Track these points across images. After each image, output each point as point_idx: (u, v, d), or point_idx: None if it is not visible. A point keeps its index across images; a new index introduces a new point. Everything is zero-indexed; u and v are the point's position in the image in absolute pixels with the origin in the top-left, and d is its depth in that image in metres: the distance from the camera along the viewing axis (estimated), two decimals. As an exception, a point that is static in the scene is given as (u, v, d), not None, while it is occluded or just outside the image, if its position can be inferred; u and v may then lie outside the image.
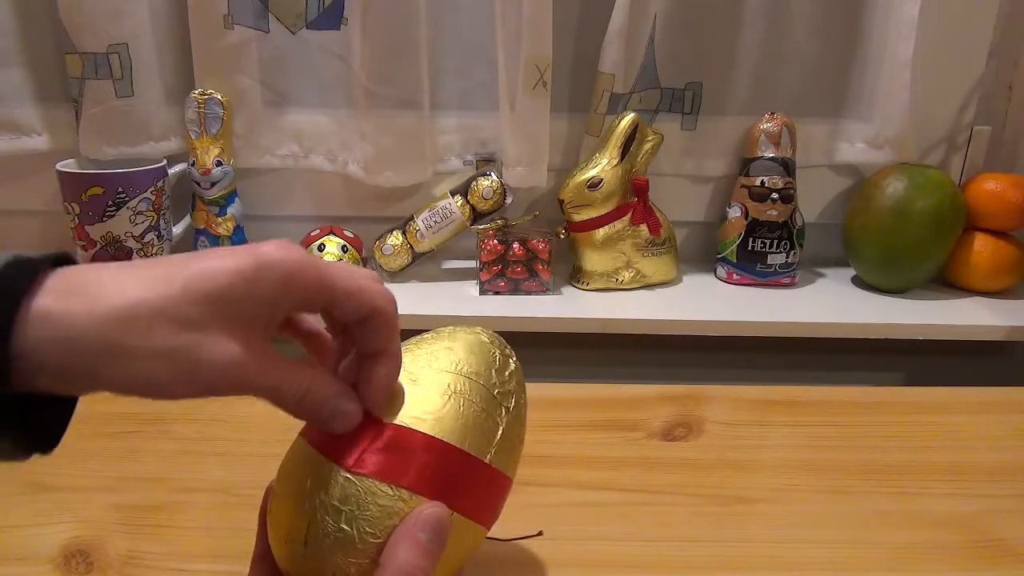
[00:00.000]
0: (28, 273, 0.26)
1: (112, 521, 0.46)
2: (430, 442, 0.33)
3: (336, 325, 0.35)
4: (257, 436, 0.54)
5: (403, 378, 0.35)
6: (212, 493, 0.50)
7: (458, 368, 0.36)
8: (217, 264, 0.28)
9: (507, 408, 0.36)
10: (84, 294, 0.27)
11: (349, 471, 0.32)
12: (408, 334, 0.37)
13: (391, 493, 0.32)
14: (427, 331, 0.39)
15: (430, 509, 0.32)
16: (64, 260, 0.28)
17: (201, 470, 0.52)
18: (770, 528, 0.47)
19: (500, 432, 0.35)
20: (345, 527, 0.31)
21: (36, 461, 0.49)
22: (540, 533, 0.41)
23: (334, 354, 0.35)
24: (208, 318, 0.28)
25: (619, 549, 0.45)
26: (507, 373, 0.37)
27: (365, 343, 0.33)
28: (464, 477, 0.34)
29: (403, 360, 0.35)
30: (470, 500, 0.34)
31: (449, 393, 0.35)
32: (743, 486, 0.51)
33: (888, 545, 0.45)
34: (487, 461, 0.35)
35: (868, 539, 0.46)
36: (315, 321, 0.36)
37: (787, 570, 0.44)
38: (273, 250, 0.30)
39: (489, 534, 0.37)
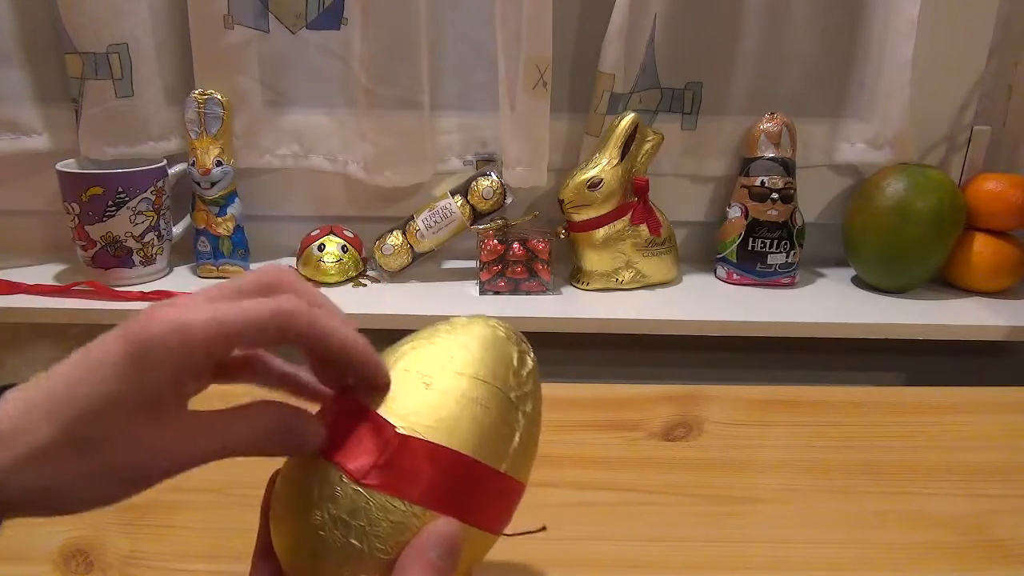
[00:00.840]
0: None
1: (112, 521, 0.46)
2: (443, 454, 0.31)
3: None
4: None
5: (417, 381, 0.33)
6: (212, 493, 0.49)
7: (474, 371, 0.34)
8: (86, 391, 0.27)
9: (524, 412, 0.35)
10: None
11: (359, 483, 0.30)
12: (408, 335, 0.37)
13: (403, 509, 0.30)
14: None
15: (443, 527, 0.30)
16: None
17: (201, 470, 0.52)
18: (770, 528, 0.47)
19: (517, 438, 0.34)
20: (355, 542, 0.30)
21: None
22: (543, 528, 0.41)
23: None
24: (106, 424, 0.28)
25: (619, 549, 0.45)
26: (525, 372, 0.36)
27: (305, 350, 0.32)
28: (478, 489, 0.33)
29: (416, 359, 0.34)
30: (483, 512, 0.33)
31: (464, 400, 0.33)
32: (743, 486, 0.51)
33: (888, 545, 0.45)
34: (502, 471, 0.33)
35: (868, 539, 0.46)
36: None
37: (787, 570, 0.44)
38: (136, 333, 0.28)
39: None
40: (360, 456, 0.31)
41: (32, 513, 0.28)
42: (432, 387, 0.33)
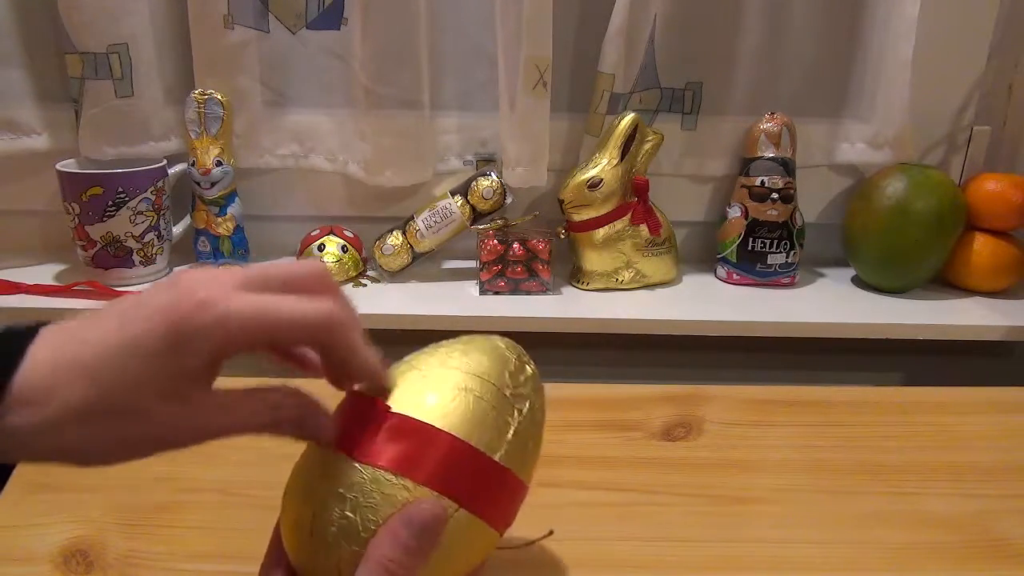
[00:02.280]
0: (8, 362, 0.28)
1: (112, 521, 0.46)
2: (436, 433, 0.33)
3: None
4: (257, 436, 0.54)
5: (415, 374, 0.35)
6: (212, 493, 0.49)
7: (470, 369, 0.35)
8: (123, 364, 0.28)
9: (519, 410, 0.36)
10: (31, 403, 0.27)
11: (352, 458, 0.32)
12: (408, 334, 0.37)
13: (395, 481, 0.31)
14: (429, 331, 0.39)
15: (424, 505, 0.31)
16: (27, 335, 0.29)
17: (201, 470, 0.52)
18: (770, 528, 0.47)
19: (512, 432, 0.35)
20: (349, 514, 0.31)
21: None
22: (551, 533, 0.41)
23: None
24: (135, 397, 0.28)
25: (619, 549, 0.45)
26: (522, 378, 0.37)
27: (333, 363, 0.33)
28: (472, 472, 0.33)
29: (418, 361, 0.36)
30: (479, 497, 0.33)
31: (459, 389, 0.34)
32: (743, 486, 0.51)
33: (888, 545, 0.45)
34: (496, 459, 0.34)
35: (868, 539, 0.46)
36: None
37: (787, 570, 0.44)
38: (174, 308, 0.28)
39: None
40: (358, 435, 0.33)
41: (52, 463, 0.29)
42: (428, 378, 0.35)
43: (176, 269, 0.93)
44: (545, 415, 0.38)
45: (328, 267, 0.31)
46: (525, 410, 0.36)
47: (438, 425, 0.33)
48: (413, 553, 0.30)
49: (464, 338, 0.38)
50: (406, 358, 0.37)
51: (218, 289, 0.29)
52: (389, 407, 0.33)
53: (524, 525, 0.42)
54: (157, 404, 0.28)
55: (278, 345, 0.34)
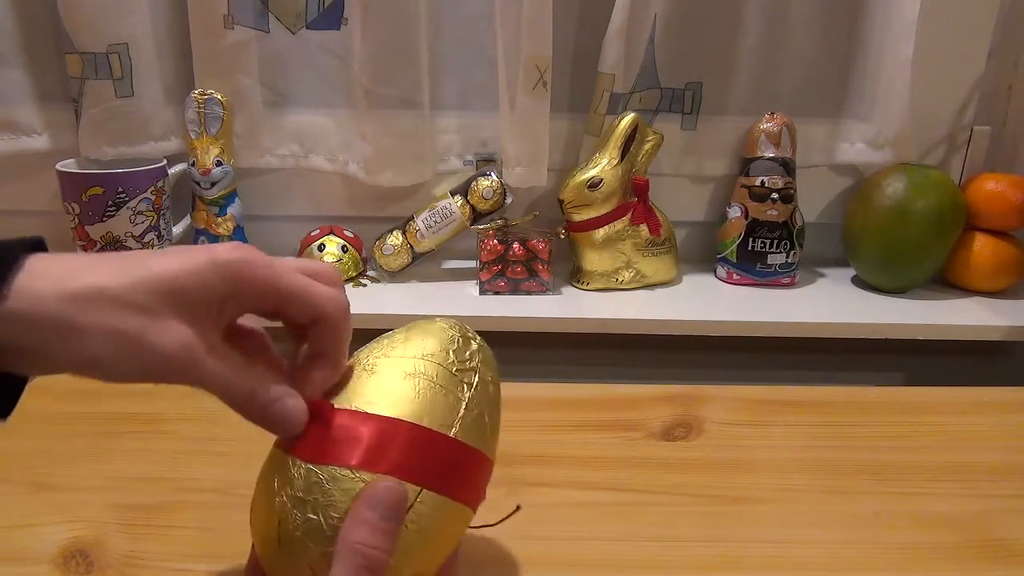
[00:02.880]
0: (10, 258, 0.29)
1: (112, 521, 0.46)
2: (384, 421, 0.33)
3: (293, 327, 0.36)
4: (257, 436, 0.54)
5: (360, 369, 0.36)
6: (212, 493, 0.49)
7: (413, 353, 0.36)
8: (171, 260, 0.31)
9: (469, 384, 0.36)
10: (45, 276, 0.29)
11: (307, 462, 0.32)
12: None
13: (351, 475, 0.32)
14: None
15: (380, 485, 0.31)
16: (38, 246, 0.31)
17: (201, 470, 0.52)
18: (770, 528, 0.47)
19: (463, 407, 0.35)
20: (312, 516, 0.31)
21: (36, 461, 0.49)
22: (518, 508, 0.41)
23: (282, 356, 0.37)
24: (158, 306, 0.30)
25: (618, 549, 0.45)
26: (467, 353, 0.37)
27: (312, 344, 0.34)
28: (428, 453, 0.33)
29: (361, 354, 0.37)
30: (441, 477, 0.33)
31: (404, 375, 0.35)
32: (743, 486, 0.51)
33: (888, 545, 0.45)
34: (452, 435, 0.34)
35: (868, 539, 0.46)
36: (253, 321, 0.37)
37: (787, 570, 0.44)
38: (225, 251, 0.32)
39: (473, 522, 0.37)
40: (308, 437, 0.33)
41: (33, 357, 0.29)
42: (375, 371, 0.35)
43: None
44: (499, 387, 0.39)
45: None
46: (476, 383, 0.36)
47: (387, 414, 0.33)
48: (383, 532, 0.31)
49: (407, 325, 0.39)
50: (352, 356, 0.37)
51: (271, 259, 0.33)
52: (333, 405, 0.34)
53: (523, 525, 0.42)
54: (179, 319, 0.30)
55: (298, 319, 0.35)
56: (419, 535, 0.32)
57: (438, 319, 0.39)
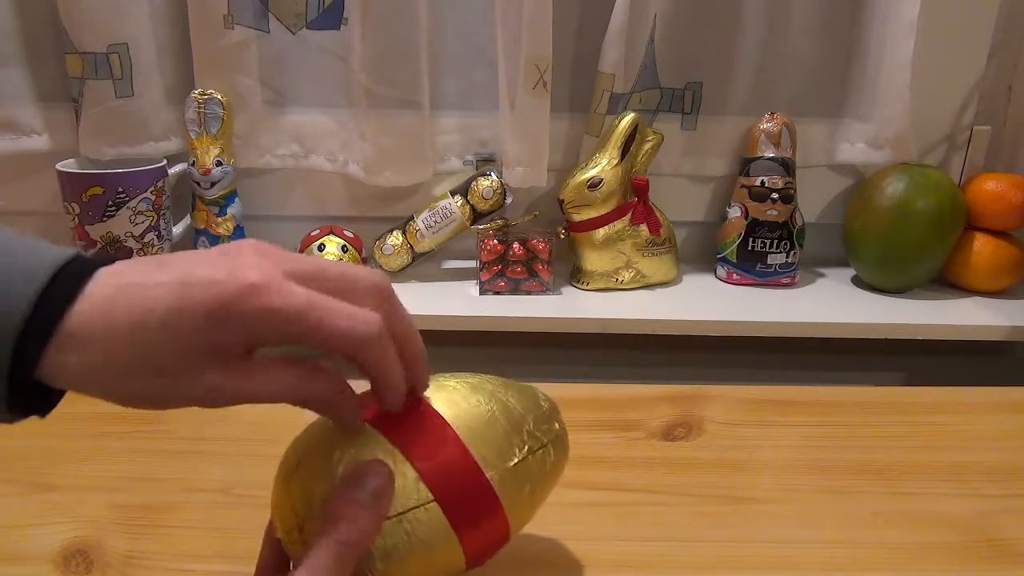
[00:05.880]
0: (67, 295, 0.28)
1: (112, 521, 0.46)
2: (442, 423, 0.34)
3: None
4: (257, 436, 0.54)
5: (450, 378, 0.36)
6: (212, 493, 0.50)
7: (502, 394, 0.36)
8: (169, 335, 0.29)
9: (530, 448, 0.35)
10: (80, 350, 0.28)
11: (367, 421, 0.33)
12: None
13: (388, 447, 0.33)
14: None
15: (371, 465, 0.32)
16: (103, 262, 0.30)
17: (201, 470, 0.52)
18: (770, 528, 0.47)
19: (514, 462, 0.34)
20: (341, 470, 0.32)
21: (36, 461, 0.49)
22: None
23: None
24: (178, 361, 0.29)
25: (619, 549, 0.45)
26: (546, 426, 0.37)
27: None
28: (459, 476, 0.33)
29: (457, 374, 0.37)
30: (458, 504, 0.33)
31: (482, 398, 0.35)
32: (743, 486, 0.51)
33: (888, 545, 0.45)
34: (488, 477, 0.34)
35: (868, 539, 0.46)
36: None
37: (787, 570, 0.44)
38: (235, 285, 0.29)
39: None
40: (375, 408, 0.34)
41: (99, 399, 0.30)
42: (458, 389, 0.36)
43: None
44: (559, 476, 0.38)
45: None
46: (537, 451, 0.36)
47: (447, 419, 0.34)
48: (366, 511, 0.31)
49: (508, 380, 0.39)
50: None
51: (272, 274, 0.29)
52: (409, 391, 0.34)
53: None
54: (193, 367, 0.29)
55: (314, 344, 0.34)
56: (408, 543, 0.32)
57: (534, 387, 0.39)
